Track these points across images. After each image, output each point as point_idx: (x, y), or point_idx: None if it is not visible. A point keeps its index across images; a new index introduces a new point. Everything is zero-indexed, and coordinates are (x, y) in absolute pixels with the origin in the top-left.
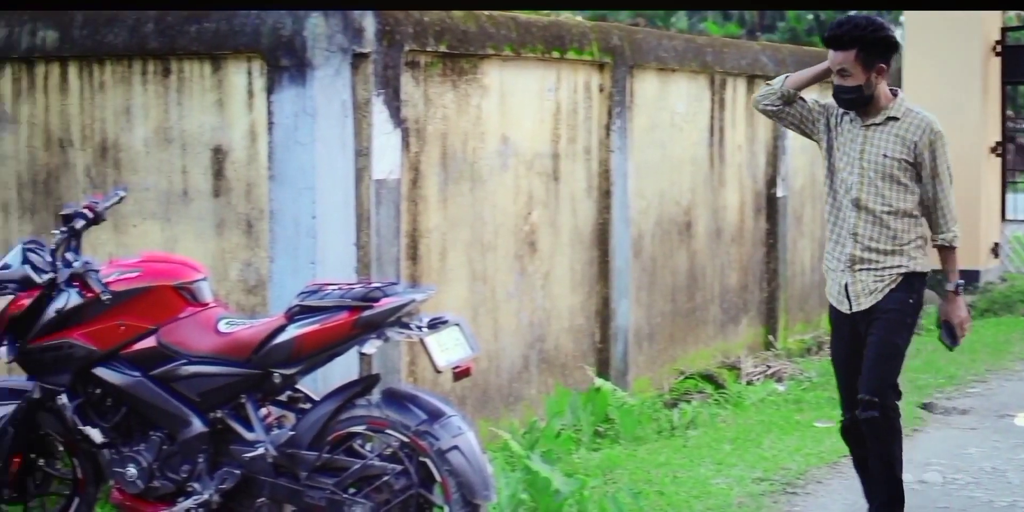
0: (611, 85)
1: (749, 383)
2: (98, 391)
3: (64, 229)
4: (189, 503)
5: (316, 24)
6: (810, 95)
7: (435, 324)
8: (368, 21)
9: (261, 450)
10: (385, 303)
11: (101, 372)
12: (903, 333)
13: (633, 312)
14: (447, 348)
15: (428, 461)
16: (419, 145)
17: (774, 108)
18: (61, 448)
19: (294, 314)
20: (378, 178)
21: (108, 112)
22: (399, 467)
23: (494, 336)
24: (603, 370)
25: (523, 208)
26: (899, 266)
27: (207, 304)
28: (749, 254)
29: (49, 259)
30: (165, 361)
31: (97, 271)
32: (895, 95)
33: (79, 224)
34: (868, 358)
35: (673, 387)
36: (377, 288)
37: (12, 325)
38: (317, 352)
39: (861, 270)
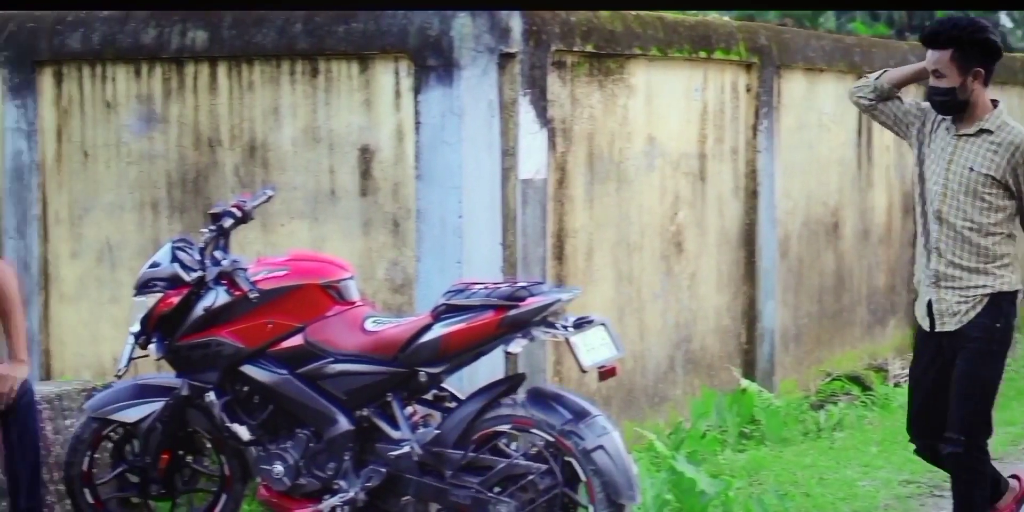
0: (758, 85)
1: (896, 385)
2: (245, 389)
3: (213, 228)
4: (335, 501)
5: (463, 24)
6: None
7: (581, 324)
8: (515, 21)
9: (407, 448)
10: (531, 302)
11: (249, 370)
12: (991, 363)
13: (779, 313)
14: (592, 348)
15: (573, 461)
16: (565, 145)
17: (867, 102)
18: (209, 445)
19: (440, 313)
20: (524, 178)
21: (257, 112)
22: (544, 466)
23: (640, 336)
24: (749, 371)
25: (669, 208)
26: (984, 286)
27: (354, 303)
28: (897, 255)
29: (198, 257)
30: (312, 359)
31: (245, 269)
32: (995, 106)
33: (228, 223)
34: (954, 394)
35: (819, 389)
36: (523, 287)
37: (161, 323)
38: (463, 351)
39: (945, 287)
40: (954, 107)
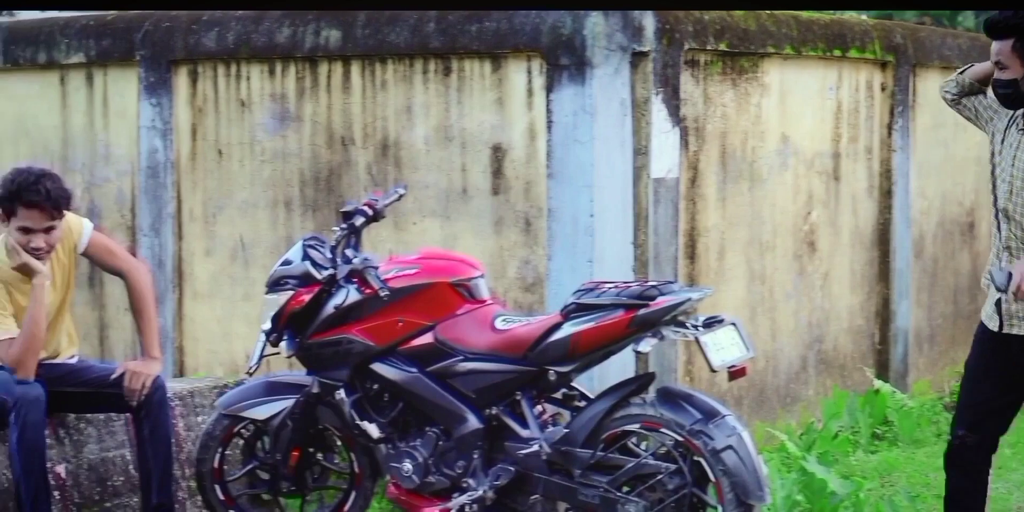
0: (893, 84)
1: None
2: (375, 386)
3: (344, 226)
4: (464, 499)
5: (596, 23)
6: None
7: (711, 323)
8: (648, 20)
9: (536, 447)
10: (661, 302)
11: (379, 368)
12: None
13: (914, 313)
14: (722, 348)
15: (702, 461)
16: (698, 144)
17: (951, 97)
18: (339, 442)
19: (570, 312)
20: (656, 177)
21: (389, 110)
22: (673, 466)
23: (772, 336)
24: (882, 372)
25: (803, 207)
26: None
27: (484, 301)
28: None
29: (329, 255)
30: (442, 357)
31: (376, 267)
32: None
33: (359, 221)
34: None
35: (953, 390)
36: (653, 287)
37: (292, 320)
38: (592, 350)
39: None
40: (1018, 99)
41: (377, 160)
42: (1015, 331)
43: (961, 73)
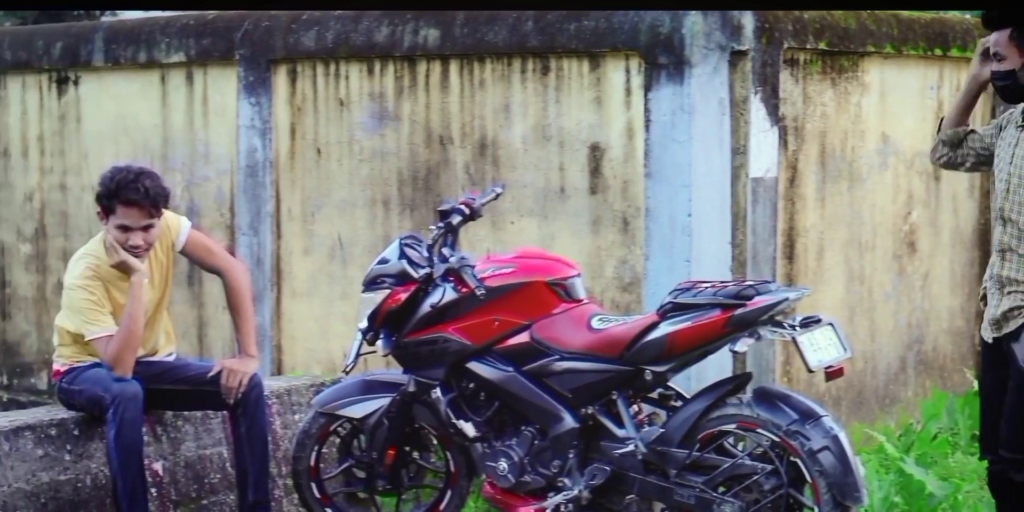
0: None
1: None
2: (471, 385)
3: (441, 225)
4: (559, 498)
5: (694, 22)
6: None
7: (808, 323)
8: (747, 19)
9: (631, 447)
10: (758, 302)
11: (475, 366)
12: None
13: None
14: (819, 348)
15: (799, 461)
16: (797, 143)
17: (946, 159)
18: (435, 441)
19: (666, 312)
20: (755, 176)
21: (487, 109)
22: (769, 467)
23: (871, 337)
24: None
25: (902, 207)
26: None
27: (580, 301)
28: None
29: (426, 254)
30: (538, 356)
31: (472, 266)
32: None
33: (456, 220)
34: (1006, 407)
35: None
36: (750, 286)
37: (389, 319)
38: (689, 350)
39: (1011, 293)
40: (1016, 92)
41: (475, 159)
42: (1005, 331)
43: (939, 132)
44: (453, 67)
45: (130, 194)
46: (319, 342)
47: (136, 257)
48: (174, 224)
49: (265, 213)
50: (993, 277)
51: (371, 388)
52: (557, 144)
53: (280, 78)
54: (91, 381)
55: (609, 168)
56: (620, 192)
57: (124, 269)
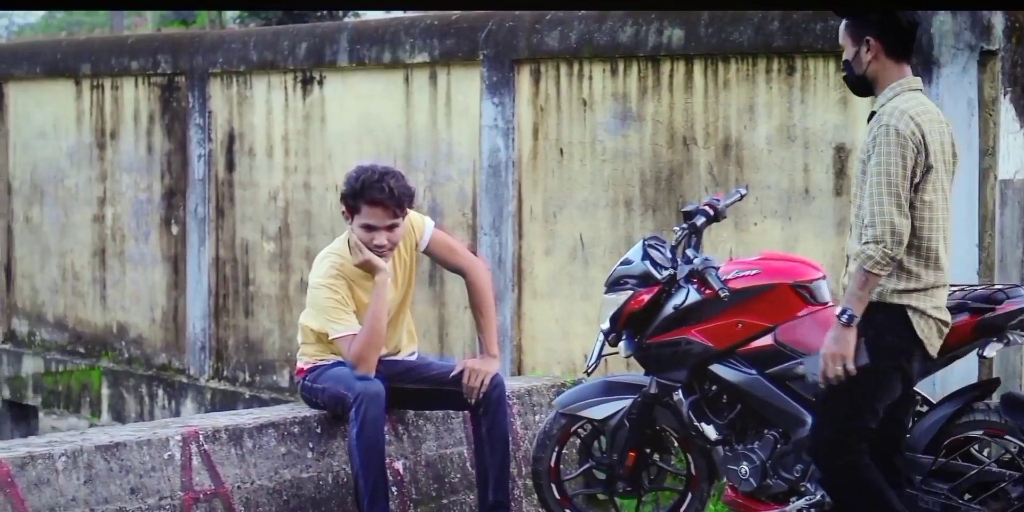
0: None
1: None
2: (713, 388)
3: (685, 226)
4: (801, 503)
5: (943, 21)
6: None
7: None
8: (997, 18)
9: None
10: (1008, 306)
11: (717, 369)
12: (858, 381)
13: None
14: None
15: None
16: None
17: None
18: (676, 444)
19: None
20: (1003, 178)
21: (732, 110)
22: (1017, 474)
23: None
24: None
25: None
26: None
27: (825, 304)
28: None
29: (669, 256)
30: (782, 360)
31: (716, 269)
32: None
33: (700, 221)
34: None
35: None
36: (1000, 290)
37: (631, 321)
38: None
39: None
40: (856, 84)
41: (718, 160)
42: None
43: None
44: (697, 67)
45: (375, 193)
46: (559, 342)
47: (380, 256)
48: (418, 224)
49: (507, 213)
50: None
51: (612, 390)
52: (802, 145)
53: (523, 78)
54: (334, 379)
55: (855, 169)
56: None
57: (368, 269)
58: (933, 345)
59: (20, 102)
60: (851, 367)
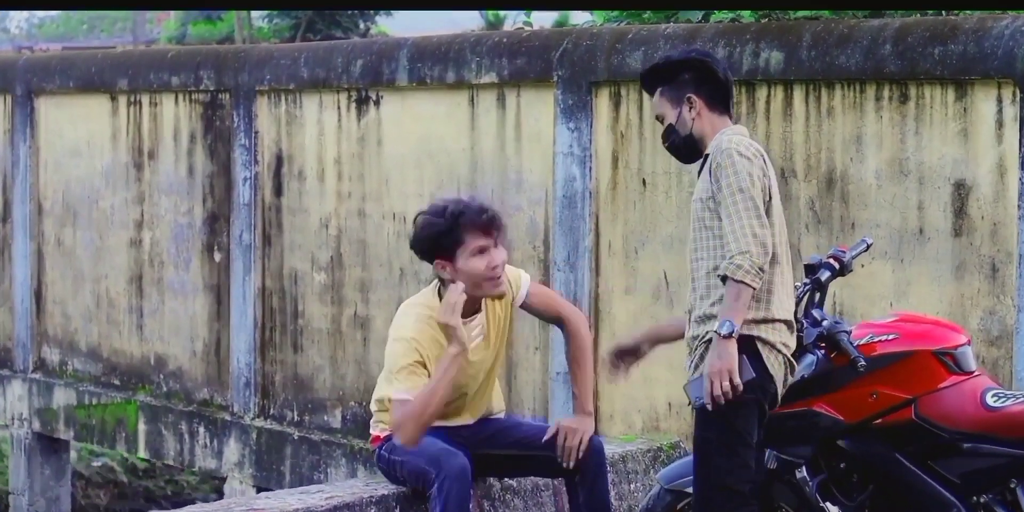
0: None
1: None
2: (842, 466)
3: (807, 281)
4: None
5: None
6: None
7: None
8: None
9: None
10: None
11: (847, 445)
12: (714, 423)
13: None
14: None
15: None
16: None
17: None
18: None
19: None
20: None
21: (836, 140)
22: None
23: None
24: None
25: None
26: (705, 333)
27: (971, 373)
28: None
29: None
30: (922, 436)
31: (848, 332)
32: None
33: (824, 276)
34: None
35: None
36: None
37: None
38: None
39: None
40: (683, 147)
41: (820, 195)
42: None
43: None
44: (798, 93)
45: (473, 216)
46: (640, 389)
47: (496, 279)
48: (514, 277)
49: (583, 248)
50: None
51: None
52: (916, 180)
53: (602, 102)
54: (415, 452)
55: (976, 208)
56: (989, 235)
57: (447, 332)
58: (780, 385)
59: (52, 118)
60: (737, 381)
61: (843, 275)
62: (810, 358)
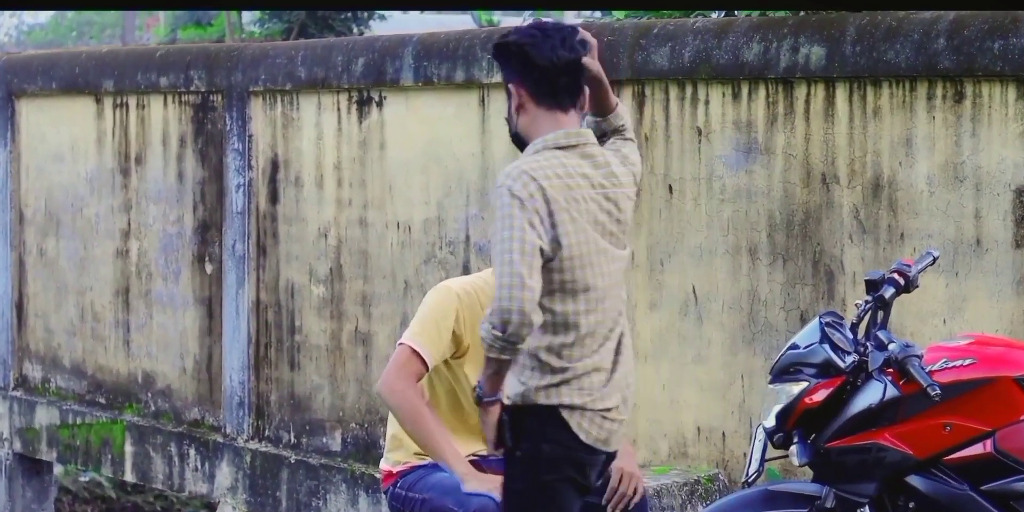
0: None
1: None
2: (911, 506)
3: (870, 299)
4: None
5: None
6: None
7: None
8: None
9: None
10: None
11: (917, 482)
12: (513, 502)
13: None
14: None
15: None
16: None
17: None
18: None
19: None
20: None
21: (883, 143)
22: None
23: None
24: None
25: None
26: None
27: None
28: None
29: (849, 336)
30: (1002, 474)
31: (919, 357)
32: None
33: (889, 293)
34: None
35: None
36: None
37: (804, 419)
38: None
39: None
40: (520, 147)
41: (866, 202)
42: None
43: None
44: (840, 92)
45: None
46: (666, 412)
47: None
48: None
49: None
50: None
51: (774, 501)
52: (972, 186)
53: (624, 102)
54: (439, 490)
55: None
56: None
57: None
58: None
59: (33, 121)
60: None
61: (908, 291)
62: (875, 386)
